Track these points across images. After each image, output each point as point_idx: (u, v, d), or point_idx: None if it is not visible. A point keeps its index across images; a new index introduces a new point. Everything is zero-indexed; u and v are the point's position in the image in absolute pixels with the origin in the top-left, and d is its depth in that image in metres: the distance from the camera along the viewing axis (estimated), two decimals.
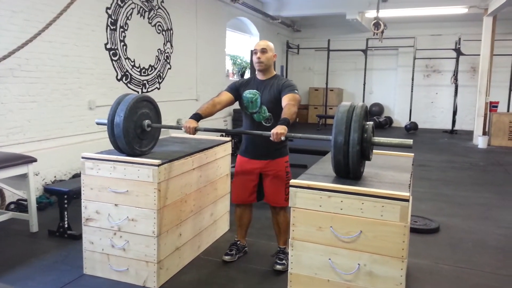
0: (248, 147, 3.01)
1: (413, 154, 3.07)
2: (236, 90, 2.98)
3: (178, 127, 2.89)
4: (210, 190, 3.36)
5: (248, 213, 3.18)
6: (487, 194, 5.26)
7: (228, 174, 3.68)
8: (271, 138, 2.47)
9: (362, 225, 2.07)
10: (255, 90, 2.92)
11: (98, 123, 2.98)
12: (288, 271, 2.25)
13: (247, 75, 10.54)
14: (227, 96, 2.95)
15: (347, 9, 10.08)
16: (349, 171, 2.24)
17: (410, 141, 2.29)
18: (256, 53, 2.90)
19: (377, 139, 2.29)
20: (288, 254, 2.75)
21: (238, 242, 3.21)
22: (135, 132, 2.77)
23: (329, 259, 2.14)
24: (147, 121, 2.84)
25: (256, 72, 3.00)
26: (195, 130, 2.70)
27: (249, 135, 2.92)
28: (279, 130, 2.43)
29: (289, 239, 2.23)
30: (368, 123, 2.26)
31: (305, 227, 2.18)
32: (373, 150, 3.18)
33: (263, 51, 2.88)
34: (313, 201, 2.15)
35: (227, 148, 3.60)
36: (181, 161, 2.89)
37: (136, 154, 2.80)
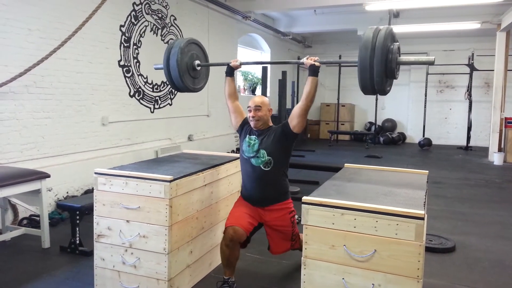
0: (246, 189, 2.94)
1: (427, 171, 3.02)
2: (243, 122, 3.00)
3: (224, 64, 3.14)
4: (221, 207, 3.34)
5: (237, 252, 2.83)
6: (503, 212, 5.14)
7: (239, 191, 3.65)
8: (303, 61, 2.84)
9: (376, 243, 2.02)
10: (254, 137, 2.89)
11: (156, 68, 3.35)
12: None
13: (258, 91, 10.58)
14: (241, 110, 3.02)
15: (358, 25, 10.10)
16: (374, 86, 2.39)
17: (432, 58, 2.46)
18: (250, 111, 2.88)
19: (401, 58, 2.44)
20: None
21: (229, 279, 2.83)
22: (187, 70, 3.15)
23: (343, 278, 2.09)
24: (197, 61, 3.22)
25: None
26: (239, 64, 3.06)
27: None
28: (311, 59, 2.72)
29: (302, 258, 2.19)
30: (394, 43, 2.39)
31: (317, 245, 2.14)
32: (387, 167, 3.15)
33: (257, 108, 2.87)
34: (325, 219, 2.11)
35: (238, 164, 3.57)
36: (193, 177, 2.88)
37: (189, 89, 3.23)
